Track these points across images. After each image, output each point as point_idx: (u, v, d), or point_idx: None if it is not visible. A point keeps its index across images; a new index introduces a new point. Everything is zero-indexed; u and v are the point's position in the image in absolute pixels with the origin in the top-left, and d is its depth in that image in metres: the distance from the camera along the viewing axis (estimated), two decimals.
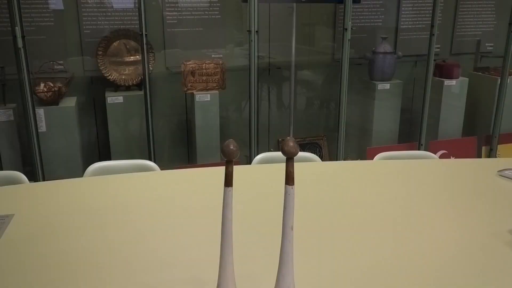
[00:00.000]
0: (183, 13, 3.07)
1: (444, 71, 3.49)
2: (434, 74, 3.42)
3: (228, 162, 0.72)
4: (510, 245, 1.15)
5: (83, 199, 1.42)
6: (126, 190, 1.50)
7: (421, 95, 3.31)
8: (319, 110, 3.65)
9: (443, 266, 1.07)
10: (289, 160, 0.72)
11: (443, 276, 1.03)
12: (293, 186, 0.72)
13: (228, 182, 0.72)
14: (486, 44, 3.84)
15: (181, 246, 1.15)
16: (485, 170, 1.72)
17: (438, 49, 3.60)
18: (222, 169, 1.78)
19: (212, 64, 2.92)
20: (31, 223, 1.26)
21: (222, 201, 0.73)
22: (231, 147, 0.71)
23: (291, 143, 0.71)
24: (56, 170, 2.73)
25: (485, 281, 1.01)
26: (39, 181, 2.50)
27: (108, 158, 2.96)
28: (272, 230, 1.23)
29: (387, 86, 3.39)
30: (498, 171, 1.69)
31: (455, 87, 3.50)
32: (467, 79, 3.51)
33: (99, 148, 3.11)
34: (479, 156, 3.53)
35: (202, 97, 2.92)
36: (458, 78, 3.49)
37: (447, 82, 3.46)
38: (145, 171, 1.76)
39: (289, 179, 0.72)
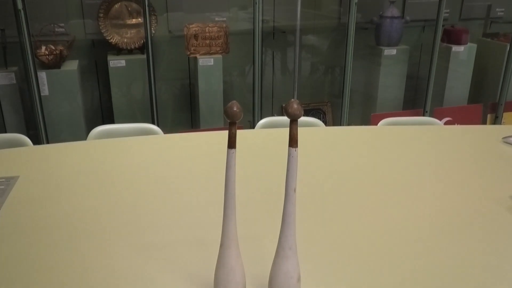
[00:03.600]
0: None
1: (452, 36, 3.43)
2: (442, 40, 3.36)
3: (231, 124, 0.71)
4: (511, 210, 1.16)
5: (87, 161, 1.43)
6: (130, 153, 1.50)
7: (427, 61, 3.26)
8: (323, 75, 3.61)
9: (444, 231, 1.07)
10: (293, 122, 0.71)
11: (444, 240, 1.03)
12: (296, 149, 0.71)
13: (231, 144, 0.72)
14: (497, 9, 3.75)
15: (184, 207, 1.16)
16: (490, 136, 1.71)
17: (447, 14, 3.52)
18: (225, 133, 1.78)
19: (216, 27, 2.87)
20: (35, 185, 1.27)
21: (225, 163, 0.73)
22: (235, 109, 0.70)
23: (295, 105, 0.70)
24: (59, 134, 2.73)
25: (486, 245, 1.02)
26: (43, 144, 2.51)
27: (111, 122, 2.96)
28: (275, 192, 1.24)
29: (393, 51, 3.34)
30: (503, 138, 1.68)
31: (463, 53, 3.44)
32: (475, 45, 3.45)
33: (102, 112, 3.11)
34: (484, 123, 3.51)
35: (205, 61, 2.88)
36: (466, 44, 3.43)
37: (455, 48, 3.41)
38: (148, 134, 1.75)
39: (293, 141, 0.71)
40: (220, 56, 2.91)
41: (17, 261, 0.94)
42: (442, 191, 1.27)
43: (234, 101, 0.71)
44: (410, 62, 3.46)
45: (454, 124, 3.37)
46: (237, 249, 0.75)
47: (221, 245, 0.75)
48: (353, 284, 0.88)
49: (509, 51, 3.32)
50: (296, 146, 0.71)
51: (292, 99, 0.71)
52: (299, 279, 0.76)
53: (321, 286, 0.87)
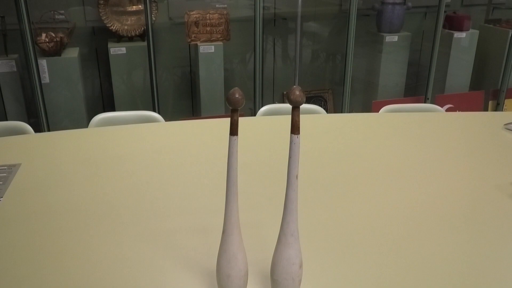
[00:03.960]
0: None
1: (454, 23, 3.41)
2: (444, 26, 3.33)
3: (233, 111, 0.71)
4: None
5: (89, 149, 1.43)
6: (132, 140, 1.50)
7: (429, 48, 3.24)
8: (324, 63, 3.60)
9: (445, 217, 1.08)
10: (295, 109, 0.71)
11: (445, 226, 1.04)
12: (298, 136, 0.71)
13: (233, 130, 0.72)
14: None
15: (186, 194, 1.16)
16: (491, 123, 1.70)
17: (449, 0, 3.49)
18: (227, 121, 1.78)
19: (216, 14, 2.85)
20: (37, 173, 1.27)
21: (227, 151, 0.73)
22: (237, 96, 0.70)
23: (297, 91, 0.69)
24: (60, 121, 2.73)
25: (488, 231, 1.02)
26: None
27: (112, 109, 2.96)
28: (277, 179, 1.24)
29: (395, 38, 3.32)
30: (505, 125, 1.68)
31: (465, 39, 3.42)
32: (477, 31, 3.43)
33: (103, 100, 3.10)
34: (486, 110, 3.50)
35: (206, 48, 2.87)
36: (468, 30, 3.41)
37: (456, 34, 3.39)
38: (149, 122, 1.75)
39: (295, 128, 0.71)
40: (221, 43, 2.90)
41: (20, 248, 0.95)
42: (443, 178, 1.27)
43: (236, 87, 0.71)
44: (411, 48, 3.45)
45: (456, 111, 3.37)
46: (239, 235, 0.76)
47: (223, 232, 0.75)
48: (355, 270, 0.89)
49: (511, 37, 3.30)
50: (298, 133, 0.71)
51: (294, 86, 0.71)
52: (301, 266, 0.77)
53: (323, 273, 0.88)
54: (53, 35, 2.64)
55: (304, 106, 1.84)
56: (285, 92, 3.45)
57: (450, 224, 1.05)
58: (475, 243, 0.98)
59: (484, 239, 0.99)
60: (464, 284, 0.85)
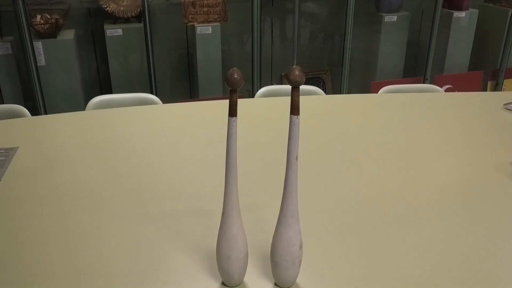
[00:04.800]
0: None
1: (453, 2, 3.37)
2: (443, 6, 3.30)
3: (232, 92, 0.70)
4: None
5: (86, 132, 1.42)
6: (130, 123, 1.49)
7: (428, 28, 3.22)
8: (323, 43, 3.57)
9: (444, 197, 1.08)
10: (295, 89, 0.70)
11: (444, 206, 1.04)
12: (298, 116, 0.70)
13: (232, 112, 0.71)
14: None
15: (185, 177, 1.16)
16: (491, 103, 1.70)
17: None
18: (224, 103, 1.77)
19: None
20: (35, 156, 1.27)
21: (226, 133, 0.72)
22: (235, 76, 0.69)
23: (297, 71, 0.68)
24: (57, 104, 2.71)
25: (487, 211, 1.02)
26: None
27: (109, 92, 2.94)
28: (276, 161, 1.24)
29: (394, 18, 3.29)
30: (504, 104, 1.67)
31: (464, 19, 3.39)
32: (477, 10, 3.40)
33: (100, 82, 3.08)
34: (485, 91, 3.49)
35: (203, 29, 2.84)
36: (467, 10, 3.38)
37: (456, 14, 3.35)
38: (147, 104, 1.74)
39: (295, 109, 0.70)
40: (218, 24, 2.87)
41: (16, 231, 0.94)
42: (443, 158, 1.27)
43: (235, 68, 0.70)
44: (410, 28, 3.42)
45: (455, 91, 3.36)
46: (239, 217, 0.75)
47: (223, 214, 0.75)
48: (355, 251, 0.89)
49: (511, 16, 3.27)
50: (298, 114, 0.70)
51: (294, 66, 0.70)
52: (301, 247, 0.77)
53: (323, 254, 0.88)
54: (48, 16, 2.61)
55: (302, 87, 1.83)
56: (283, 74, 3.43)
57: (450, 205, 1.05)
58: (475, 223, 0.98)
59: (483, 219, 0.99)
60: (463, 264, 0.86)
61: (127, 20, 2.86)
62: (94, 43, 2.98)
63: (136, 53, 2.91)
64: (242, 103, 1.68)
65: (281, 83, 3.43)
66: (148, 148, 1.32)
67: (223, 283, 0.80)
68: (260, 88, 1.90)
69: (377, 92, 1.89)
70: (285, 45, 3.45)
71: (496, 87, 3.46)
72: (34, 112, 2.48)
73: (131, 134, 1.41)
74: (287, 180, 0.73)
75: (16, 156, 1.26)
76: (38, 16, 2.59)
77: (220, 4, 2.84)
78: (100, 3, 2.78)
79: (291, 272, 0.78)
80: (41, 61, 2.60)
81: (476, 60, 3.61)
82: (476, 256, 0.88)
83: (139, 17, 2.86)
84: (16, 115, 1.62)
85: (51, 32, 2.61)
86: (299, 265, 0.78)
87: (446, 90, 3.35)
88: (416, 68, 3.64)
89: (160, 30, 3.04)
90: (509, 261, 0.87)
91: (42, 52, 2.61)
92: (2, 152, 1.28)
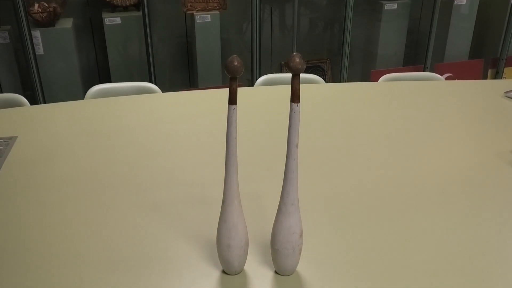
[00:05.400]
0: None
1: None
2: None
3: (232, 79, 0.70)
4: None
5: (85, 121, 1.42)
6: (129, 111, 1.48)
7: (428, 16, 3.20)
8: (323, 32, 3.55)
9: (445, 185, 1.08)
10: (295, 76, 0.69)
11: (445, 194, 1.04)
12: (298, 104, 0.70)
13: (232, 99, 0.71)
14: None
15: (185, 165, 1.16)
16: (491, 91, 1.69)
17: None
18: (224, 91, 1.76)
19: None
20: (34, 145, 1.26)
21: (226, 121, 0.72)
22: (235, 63, 0.68)
23: (297, 58, 0.68)
24: (56, 94, 2.70)
25: (487, 199, 1.02)
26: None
27: (108, 81, 2.93)
28: (276, 149, 1.24)
29: (394, 6, 3.27)
30: (505, 92, 1.67)
31: (465, 7, 3.37)
32: None
33: (99, 71, 3.07)
34: (485, 79, 3.48)
35: (202, 18, 2.82)
36: None
37: (456, 1, 3.33)
38: (146, 93, 1.73)
39: (295, 97, 0.70)
40: (217, 12, 2.85)
41: (16, 220, 0.94)
42: (443, 146, 1.27)
43: (235, 55, 0.69)
44: (411, 16, 3.40)
45: (455, 79, 3.35)
46: (239, 205, 0.75)
47: (223, 202, 0.75)
48: (356, 239, 0.89)
49: (511, 4, 3.25)
50: (298, 102, 0.70)
51: (294, 53, 0.69)
52: (301, 235, 0.77)
53: (324, 242, 0.88)
54: (46, 5, 2.59)
55: (302, 76, 1.82)
56: (283, 62, 3.41)
57: (450, 192, 1.05)
58: (475, 211, 0.98)
59: (484, 207, 1.00)
60: (463, 251, 0.86)
61: (125, 8, 2.84)
62: (92, 32, 2.97)
63: (134, 42, 2.89)
64: (241, 91, 1.68)
65: (281, 71, 3.42)
66: (147, 137, 1.32)
67: (223, 271, 0.80)
68: (260, 76, 1.89)
69: (377, 81, 1.88)
70: (284, 33, 3.43)
71: (497, 75, 3.45)
72: (33, 101, 2.47)
73: (130, 123, 1.40)
74: (288, 168, 0.73)
75: (15, 145, 1.26)
76: (36, 5, 2.57)
77: None
78: None
79: (291, 260, 0.78)
80: (39, 50, 2.59)
81: (477, 48, 3.59)
82: (477, 244, 0.88)
83: (137, 6, 2.84)
84: (14, 104, 1.61)
85: (49, 21, 2.59)
86: (300, 253, 0.78)
87: (447, 78, 3.33)
88: (417, 56, 3.62)
89: (159, 19, 3.02)
90: (511, 249, 0.87)
91: (40, 41, 2.59)
92: (1, 142, 1.28)
